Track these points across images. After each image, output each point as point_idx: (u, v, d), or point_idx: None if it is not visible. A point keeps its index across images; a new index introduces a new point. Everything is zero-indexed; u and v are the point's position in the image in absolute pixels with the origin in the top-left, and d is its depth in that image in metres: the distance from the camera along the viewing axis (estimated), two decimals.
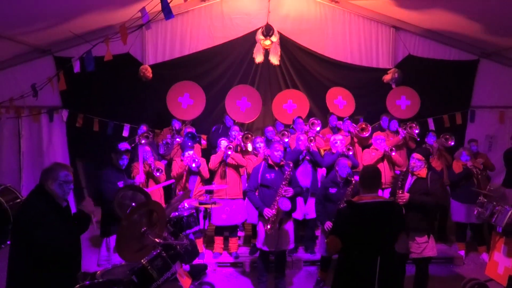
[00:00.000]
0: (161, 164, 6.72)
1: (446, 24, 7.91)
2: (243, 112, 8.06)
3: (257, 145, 6.78)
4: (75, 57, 5.91)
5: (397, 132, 7.41)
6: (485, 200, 5.04)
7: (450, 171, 6.86)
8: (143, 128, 7.51)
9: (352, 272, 3.37)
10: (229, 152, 6.41)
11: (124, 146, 6.81)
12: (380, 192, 6.64)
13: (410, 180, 5.03)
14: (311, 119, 7.29)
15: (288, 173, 5.23)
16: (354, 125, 7.38)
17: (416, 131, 7.37)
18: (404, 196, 4.81)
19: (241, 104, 8.07)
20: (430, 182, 4.92)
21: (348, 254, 3.41)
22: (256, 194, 5.40)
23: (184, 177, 6.58)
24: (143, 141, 6.96)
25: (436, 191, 4.87)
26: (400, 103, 8.24)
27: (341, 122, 7.74)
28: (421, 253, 4.89)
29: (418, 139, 7.39)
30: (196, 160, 6.47)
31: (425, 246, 4.88)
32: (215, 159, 6.56)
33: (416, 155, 5.06)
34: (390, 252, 3.43)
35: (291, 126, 7.98)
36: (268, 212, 5.09)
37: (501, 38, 7.69)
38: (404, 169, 5.37)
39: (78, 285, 3.20)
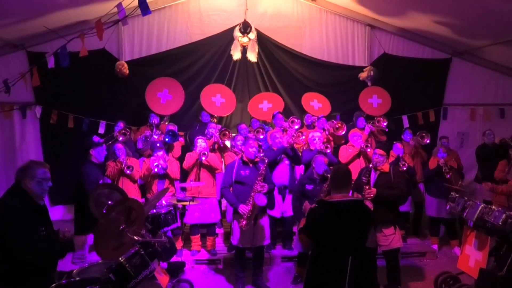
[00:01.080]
0: (134, 161, 6.61)
1: (419, 24, 8.07)
2: (219, 106, 8.07)
3: (238, 143, 6.79)
4: (49, 52, 5.79)
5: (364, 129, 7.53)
6: (457, 195, 5.17)
7: (426, 167, 7.02)
8: (120, 125, 7.39)
9: (324, 270, 3.43)
10: (203, 158, 6.34)
11: (97, 139, 6.72)
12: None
13: (373, 175, 5.18)
14: (291, 117, 7.32)
15: (263, 169, 5.27)
16: (330, 122, 7.46)
17: (384, 124, 7.48)
18: (371, 191, 4.97)
19: (216, 99, 8.07)
20: (393, 176, 5.08)
21: (320, 252, 3.47)
22: (231, 190, 5.42)
23: (152, 181, 6.47)
24: (120, 138, 6.87)
25: (400, 184, 5.04)
26: (372, 101, 8.37)
27: (315, 118, 7.81)
28: (389, 245, 5.08)
29: (387, 130, 7.51)
30: (160, 165, 6.27)
31: (392, 237, 5.07)
32: (189, 160, 6.47)
33: (378, 151, 5.23)
34: (361, 250, 3.50)
35: (269, 123, 8.01)
36: (244, 209, 5.13)
37: (472, 37, 7.90)
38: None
39: (54, 284, 3.14)
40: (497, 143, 7.38)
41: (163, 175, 6.44)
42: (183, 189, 6.53)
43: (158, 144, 6.51)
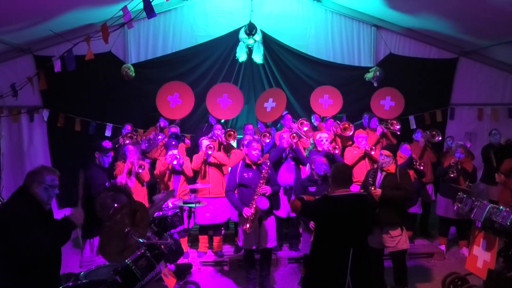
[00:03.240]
0: (144, 162, 6.65)
1: (426, 23, 8.03)
2: (224, 109, 7.97)
3: (245, 142, 6.79)
4: (56, 56, 5.84)
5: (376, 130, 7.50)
6: (465, 195, 5.14)
7: (440, 166, 6.98)
8: (128, 127, 7.44)
9: (325, 261, 3.44)
10: (210, 152, 6.39)
11: (108, 144, 6.75)
12: (358, 188, 6.74)
13: (379, 176, 5.14)
14: (300, 119, 7.30)
15: (266, 171, 5.27)
16: (337, 123, 7.43)
17: (397, 127, 7.46)
18: (376, 192, 4.92)
19: (222, 101, 7.95)
20: (399, 177, 5.03)
21: (322, 244, 3.48)
22: (236, 193, 5.42)
23: (167, 176, 6.53)
24: (127, 141, 6.90)
25: (406, 185, 5.00)
26: (384, 103, 8.24)
27: (321, 120, 7.77)
28: (396, 246, 5.02)
29: (399, 133, 7.49)
30: (178, 157, 6.37)
31: (399, 239, 5.00)
32: (197, 159, 6.52)
33: (384, 152, 5.18)
34: (362, 244, 3.53)
35: (270, 124, 7.99)
36: (247, 211, 5.13)
37: (479, 37, 7.85)
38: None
39: (61, 287, 3.16)
40: (503, 143, 7.31)
41: (179, 172, 6.49)
42: (193, 191, 6.55)
43: (174, 142, 6.61)
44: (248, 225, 5.12)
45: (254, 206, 5.11)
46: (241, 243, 5.43)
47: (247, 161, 5.44)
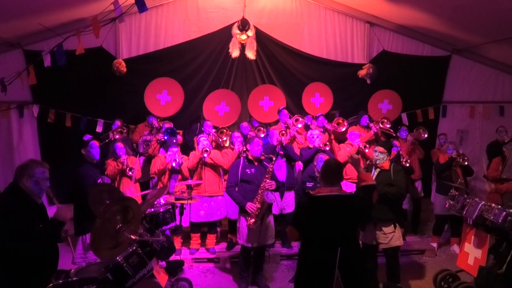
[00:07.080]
0: (133, 160, 6.59)
1: (419, 21, 8.04)
2: (221, 116, 7.95)
3: (235, 140, 6.78)
4: (46, 50, 5.74)
5: (368, 128, 7.50)
6: (457, 193, 5.16)
7: (437, 163, 7.03)
8: (117, 123, 7.38)
9: (313, 262, 3.43)
10: (205, 155, 6.36)
11: (87, 137, 6.67)
12: (351, 186, 6.75)
13: (373, 173, 5.14)
14: (296, 115, 7.29)
15: (271, 166, 5.26)
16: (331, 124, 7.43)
17: (387, 126, 7.47)
18: None
19: (219, 108, 7.95)
20: (393, 174, 5.05)
21: (308, 244, 3.47)
22: (236, 189, 5.40)
23: (167, 175, 6.48)
24: (117, 136, 6.84)
25: (399, 182, 5.00)
26: (382, 106, 8.29)
27: (315, 121, 7.75)
28: (389, 243, 5.04)
29: (394, 135, 7.50)
30: (177, 160, 6.34)
31: (392, 236, 5.02)
32: (193, 159, 6.49)
33: (379, 148, 5.18)
34: (350, 244, 3.51)
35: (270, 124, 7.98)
36: (252, 207, 5.10)
37: (471, 35, 7.87)
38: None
39: (51, 284, 3.12)
40: (506, 141, 7.32)
41: (177, 171, 6.46)
42: (189, 187, 6.52)
43: (174, 141, 6.56)
44: (253, 221, 5.11)
45: (260, 200, 5.09)
46: (242, 240, 5.38)
47: (250, 157, 5.43)
